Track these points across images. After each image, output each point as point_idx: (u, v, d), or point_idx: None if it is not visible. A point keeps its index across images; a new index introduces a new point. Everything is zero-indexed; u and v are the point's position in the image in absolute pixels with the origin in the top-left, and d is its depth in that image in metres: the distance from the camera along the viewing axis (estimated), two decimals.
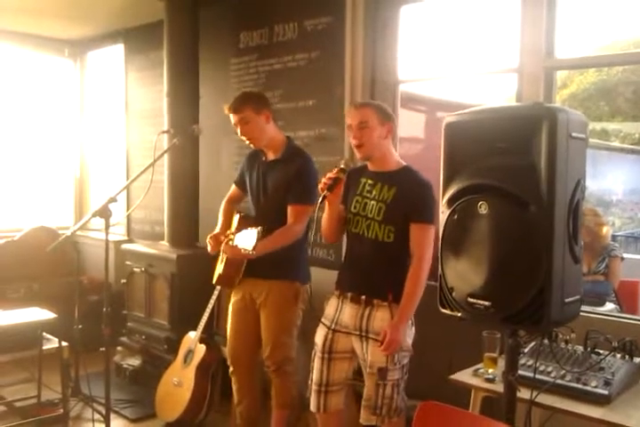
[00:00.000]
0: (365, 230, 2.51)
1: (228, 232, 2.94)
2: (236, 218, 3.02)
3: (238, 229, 2.91)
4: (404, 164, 2.60)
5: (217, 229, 3.08)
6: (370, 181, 2.57)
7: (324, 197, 2.42)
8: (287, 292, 2.95)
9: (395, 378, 2.45)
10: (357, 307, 2.52)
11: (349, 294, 2.56)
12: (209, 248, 3.00)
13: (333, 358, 2.58)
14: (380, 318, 2.47)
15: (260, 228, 2.76)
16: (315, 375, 2.62)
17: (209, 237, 3.01)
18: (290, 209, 2.87)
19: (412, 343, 2.51)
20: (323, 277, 3.10)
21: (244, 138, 2.93)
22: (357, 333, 2.51)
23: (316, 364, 2.61)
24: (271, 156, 2.99)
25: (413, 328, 2.52)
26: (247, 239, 2.77)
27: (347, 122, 2.53)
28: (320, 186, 2.44)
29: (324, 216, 2.60)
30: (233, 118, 2.91)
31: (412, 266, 2.45)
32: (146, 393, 3.79)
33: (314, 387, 2.62)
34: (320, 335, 2.62)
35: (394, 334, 2.39)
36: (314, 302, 2.89)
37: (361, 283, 2.54)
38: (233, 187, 3.22)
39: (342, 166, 2.44)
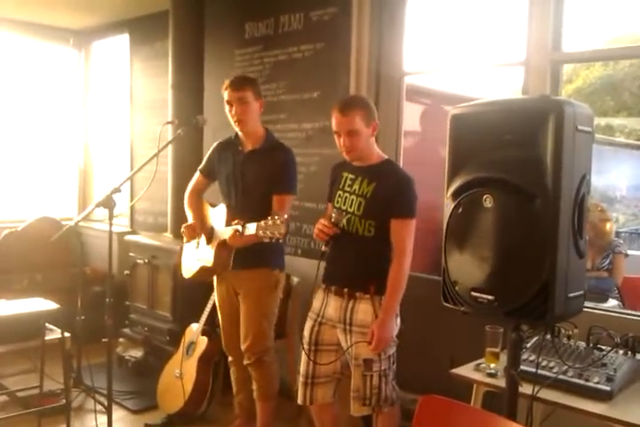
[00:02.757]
0: (346, 225, 2.52)
1: (235, 223, 2.82)
2: (223, 208, 2.96)
3: (234, 219, 2.83)
4: (386, 157, 2.62)
5: (190, 221, 3.09)
6: (351, 176, 2.59)
7: (324, 253, 2.55)
8: (267, 279, 2.98)
9: (381, 368, 2.47)
10: (341, 300, 2.54)
11: (333, 288, 2.58)
12: (184, 239, 3.04)
13: (320, 350, 2.61)
14: (363, 310, 2.49)
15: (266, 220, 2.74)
16: (302, 367, 2.64)
17: (184, 226, 3.04)
18: (275, 198, 2.88)
19: (398, 334, 2.52)
20: (308, 267, 3.07)
21: (233, 118, 2.92)
22: (342, 325, 2.53)
23: (303, 356, 2.64)
24: (249, 146, 3.00)
25: (399, 319, 2.54)
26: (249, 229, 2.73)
27: (333, 127, 2.50)
28: (315, 234, 2.53)
29: None
30: (229, 96, 2.90)
31: (393, 261, 2.47)
32: (148, 385, 3.79)
33: (300, 379, 2.64)
34: (307, 328, 2.65)
35: (381, 332, 2.41)
36: (304, 294, 2.88)
37: (343, 276, 2.56)
38: (197, 175, 3.19)
39: (341, 224, 2.51)
